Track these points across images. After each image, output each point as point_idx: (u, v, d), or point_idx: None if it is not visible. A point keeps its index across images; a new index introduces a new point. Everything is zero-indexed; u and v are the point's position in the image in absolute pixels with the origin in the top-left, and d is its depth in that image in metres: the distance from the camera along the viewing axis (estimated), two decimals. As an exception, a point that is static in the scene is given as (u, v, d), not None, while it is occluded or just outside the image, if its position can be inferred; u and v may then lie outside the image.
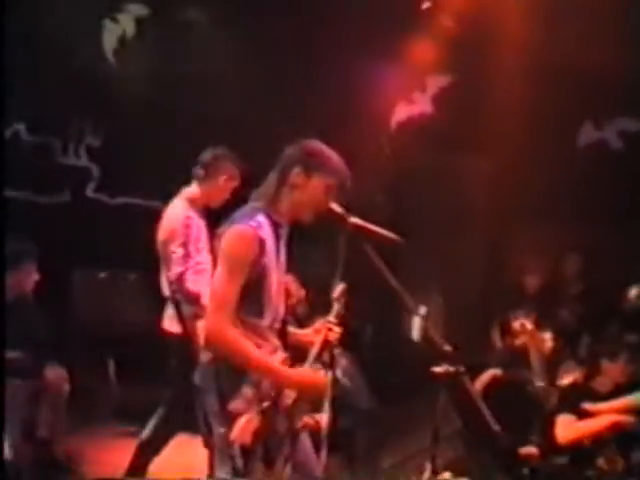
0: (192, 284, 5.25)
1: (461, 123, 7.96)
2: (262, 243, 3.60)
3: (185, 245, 5.29)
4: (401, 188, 8.29)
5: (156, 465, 5.55)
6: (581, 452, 5.61)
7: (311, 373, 3.63)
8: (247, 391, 3.56)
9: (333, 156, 3.76)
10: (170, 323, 5.42)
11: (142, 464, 5.50)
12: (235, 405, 3.56)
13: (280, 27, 7.76)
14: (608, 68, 7.36)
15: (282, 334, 3.84)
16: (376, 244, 3.73)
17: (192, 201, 5.46)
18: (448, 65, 8.20)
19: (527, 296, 7.56)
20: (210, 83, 7.66)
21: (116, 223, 7.79)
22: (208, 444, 5.55)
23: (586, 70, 7.48)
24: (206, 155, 5.56)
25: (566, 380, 6.40)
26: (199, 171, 5.53)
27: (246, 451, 3.49)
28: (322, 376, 3.63)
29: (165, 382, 5.50)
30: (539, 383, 6.57)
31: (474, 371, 6.10)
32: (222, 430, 3.58)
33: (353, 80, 7.80)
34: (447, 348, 3.74)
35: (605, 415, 5.55)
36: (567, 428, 5.65)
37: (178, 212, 5.41)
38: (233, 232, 3.62)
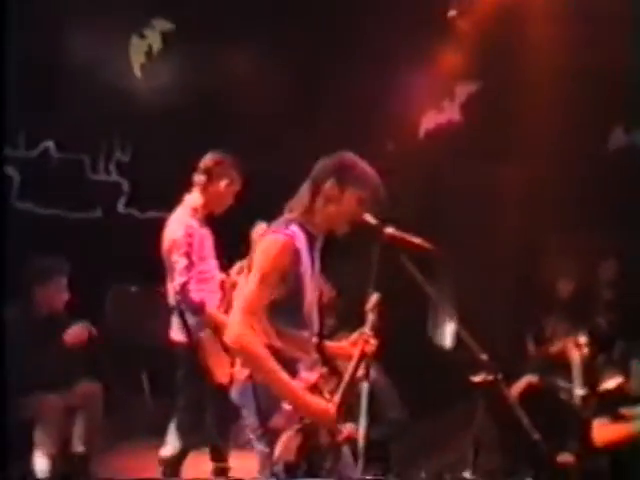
0: (196, 294, 5.25)
1: (491, 130, 7.92)
2: (297, 253, 3.61)
3: (188, 255, 5.26)
4: (433, 196, 8.25)
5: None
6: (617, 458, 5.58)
7: (324, 407, 3.56)
8: (286, 407, 3.54)
9: (367, 169, 3.78)
10: (177, 333, 5.42)
11: (171, 478, 5.51)
12: (276, 422, 3.55)
13: (306, 37, 7.77)
14: (636, 72, 7.30)
15: (319, 347, 3.84)
16: (411, 254, 3.72)
17: (195, 209, 5.45)
18: (476, 72, 8.18)
19: (561, 302, 7.50)
20: (237, 95, 7.67)
21: (147, 237, 7.80)
22: (215, 457, 5.64)
23: (616, 74, 7.42)
24: (206, 160, 5.54)
25: (607, 385, 6.35)
26: (200, 177, 5.51)
27: (290, 468, 3.48)
28: (333, 413, 3.57)
29: (174, 393, 5.52)
30: (579, 391, 6.51)
31: (509, 379, 6.06)
32: (264, 448, 3.56)
33: (381, 89, 7.79)
34: (484, 357, 3.72)
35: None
36: (603, 430, 5.61)
37: (180, 222, 5.40)
38: (267, 240, 3.64)
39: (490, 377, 3.71)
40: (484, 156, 7.98)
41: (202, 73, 7.85)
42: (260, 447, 3.60)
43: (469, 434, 4.23)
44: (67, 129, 7.77)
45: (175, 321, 5.44)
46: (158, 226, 7.84)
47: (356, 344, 3.82)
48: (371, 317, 3.84)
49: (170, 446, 5.52)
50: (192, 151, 7.41)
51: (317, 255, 3.81)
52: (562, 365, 6.96)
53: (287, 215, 3.77)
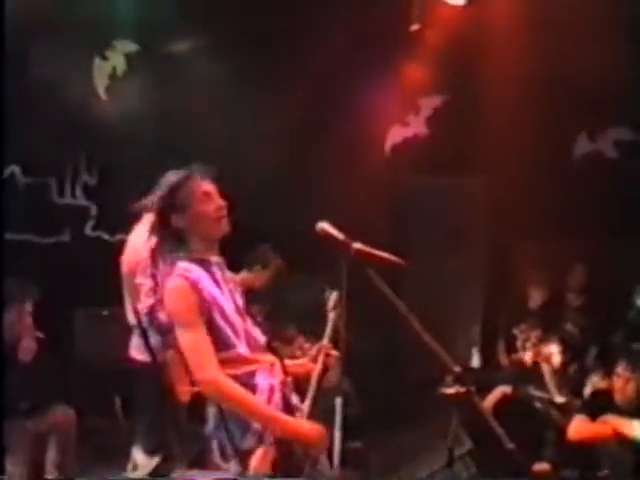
0: (164, 315, 5.19)
1: (456, 142, 7.96)
2: (194, 284, 3.57)
3: (153, 276, 5.20)
4: (400, 210, 8.25)
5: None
6: (591, 465, 5.58)
7: (306, 425, 3.58)
8: (256, 427, 3.52)
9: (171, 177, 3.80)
10: (137, 352, 5.34)
11: None
12: (248, 443, 3.52)
13: (270, 54, 7.76)
14: (600, 79, 7.34)
15: (269, 346, 3.78)
16: (378, 268, 3.71)
17: (153, 228, 5.39)
18: (440, 85, 8.22)
19: (531, 310, 7.52)
20: (202, 114, 7.65)
21: (117, 260, 7.75)
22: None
23: (578, 82, 7.47)
24: (164, 178, 5.49)
25: (587, 391, 6.39)
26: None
27: (266, 484, 3.46)
28: (317, 429, 3.59)
29: (136, 413, 5.49)
30: (559, 398, 6.54)
31: (482, 390, 6.06)
32: (240, 468, 3.54)
33: (346, 105, 7.79)
34: (456, 369, 3.71)
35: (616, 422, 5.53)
36: (579, 427, 5.62)
37: (140, 241, 5.11)
38: (168, 293, 3.63)
39: (463, 389, 3.70)
40: (451, 168, 8.01)
41: (167, 93, 7.81)
42: (238, 469, 3.57)
43: (444, 444, 4.22)
44: (32, 153, 7.72)
45: (134, 340, 5.37)
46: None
47: (316, 359, 3.82)
48: (332, 316, 3.84)
49: (141, 471, 5.39)
50: (160, 172, 7.38)
51: (218, 272, 3.72)
52: (535, 374, 7.00)
53: (168, 259, 3.72)
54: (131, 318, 5.36)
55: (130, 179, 7.56)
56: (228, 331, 3.62)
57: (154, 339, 5.18)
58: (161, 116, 7.80)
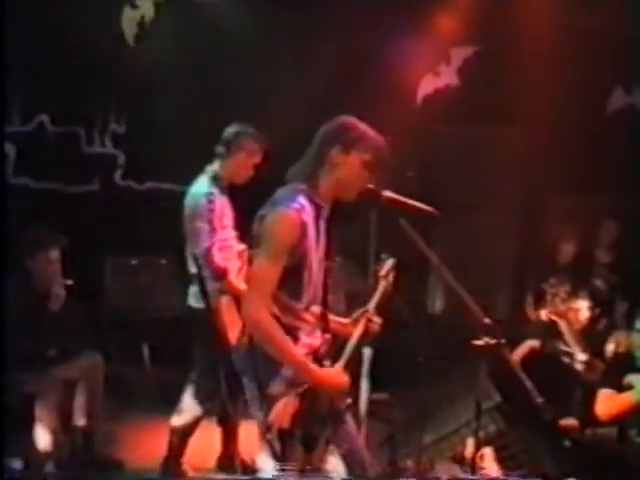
0: (219, 259, 5.24)
1: (488, 94, 7.82)
2: (304, 226, 3.54)
3: (210, 221, 5.26)
4: (431, 162, 8.17)
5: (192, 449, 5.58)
6: (625, 426, 5.52)
7: (335, 374, 3.57)
8: (285, 374, 3.49)
9: (369, 131, 3.69)
10: (195, 300, 5.40)
11: (179, 448, 5.51)
12: (274, 388, 3.49)
13: (301, 4, 7.65)
14: (636, 32, 7.20)
15: (323, 316, 3.77)
16: (409, 218, 3.65)
17: (215, 179, 5.43)
18: (472, 35, 8.08)
19: (561, 265, 7.44)
20: (232, 64, 7.57)
21: (146, 209, 7.75)
22: (223, 423, 5.64)
23: (615, 34, 7.33)
24: (227, 132, 5.53)
25: (609, 348, 6.31)
26: (220, 149, 5.50)
27: (284, 435, 3.43)
28: (345, 378, 3.58)
29: (191, 360, 5.49)
30: (581, 356, 6.48)
31: (511, 343, 6.01)
32: (261, 414, 3.52)
33: (377, 55, 7.70)
34: (486, 320, 3.66)
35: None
36: (607, 403, 5.55)
37: (201, 189, 5.38)
38: (276, 216, 3.54)
39: (493, 341, 3.66)
40: (482, 119, 7.90)
41: (196, 41, 7.73)
42: (259, 414, 3.55)
43: (472, 398, 4.18)
44: (61, 102, 7.69)
45: (192, 289, 5.42)
46: (157, 197, 7.87)
47: (357, 323, 3.78)
48: (383, 283, 3.79)
49: (184, 415, 5.49)
50: (188, 121, 7.35)
51: (323, 225, 3.72)
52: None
53: (293, 185, 3.68)
54: (191, 266, 5.41)
55: (158, 128, 7.55)
56: (304, 283, 3.61)
57: (210, 287, 5.25)
58: (189, 65, 7.72)
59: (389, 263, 3.77)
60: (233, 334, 5.11)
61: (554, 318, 6.73)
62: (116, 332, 7.10)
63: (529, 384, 3.80)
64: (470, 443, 5.42)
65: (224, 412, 5.62)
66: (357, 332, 3.72)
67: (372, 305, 3.81)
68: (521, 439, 5.53)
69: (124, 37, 7.91)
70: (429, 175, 7.98)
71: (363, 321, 3.77)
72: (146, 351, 7.26)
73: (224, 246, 5.37)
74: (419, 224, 3.63)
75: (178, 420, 5.51)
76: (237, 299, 5.10)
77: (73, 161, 7.94)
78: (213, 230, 5.26)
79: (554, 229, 7.68)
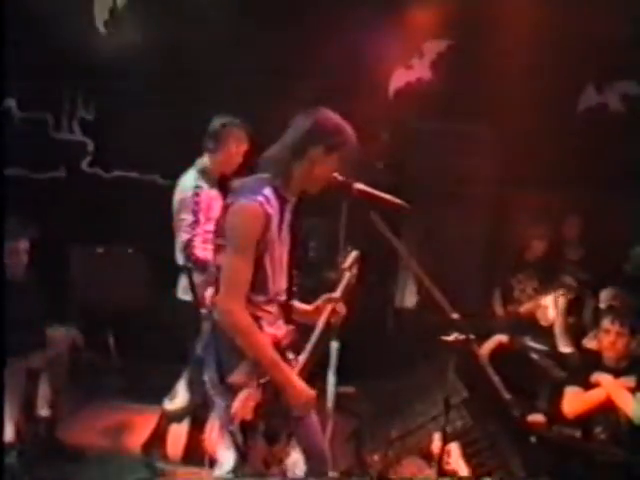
0: (201, 251, 5.29)
1: (460, 88, 7.79)
2: (268, 218, 3.52)
3: (195, 213, 5.36)
4: (402, 155, 8.15)
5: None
6: (589, 423, 5.54)
7: (301, 386, 3.54)
8: (247, 363, 3.46)
9: (346, 127, 3.68)
10: (183, 292, 5.45)
11: (164, 432, 5.64)
12: (235, 378, 3.46)
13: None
14: (609, 31, 7.21)
15: (286, 307, 3.75)
16: (379, 212, 3.63)
17: (204, 172, 5.53)
18: (445, 30, 8.05)
19: (529, 261, 7.45)
20: (204, 51, 7.50)
21: (112, 197, 7.67)
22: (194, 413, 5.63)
23: (587, 33, 7.34)
24: (214, 125, 5.59)
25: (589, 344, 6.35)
26: (208, 142, 5.58)
27: (247, 426, 3.39)
28: (313, 398, 3.56)
29: (184, 352, 5.51)
30: (566, 349, 6.51)
31: (479, 339, 6.01)
32: (222, 403, 3.48)
33: (350, 48, 7.65)
34: (455, 316, 3.65)
35: (608, 386, 5.47)
36: (573, 401, 5.58)
37: (188, 182, 5.49)
38: (239, 208, 3.52)
39: (461, 336, 3.64)
40: (454, 114, 7.87)
41: (167, 29, 7.65)
42: (220, 402, 3.51)
43: (440, 393, 4.16)
44: (29, 88, 7.59)
45: (182, 281, 5.46)
46: (124, 185, 7.80)
47: (321, 310, 3.75)
48: (347, 275, 3.77)
49: (178, 399, 5.60)
50: (158, 108, 7.28)
51: (287, 217, 3.70)
52: (531, 325, 6.96)
53: (262, 175, 3.65)
54: (179, 258, 5.46)
55: (127, 115, 7.47)
56: (267, 275, 3.60)
57: (198, 279, 5.25)
58: (160, 52, 7.63)
59: (353, 255, 3.75)
60: None
61: (535, 312, 6.77)
62: (82, 322, 7.02)
63: (497, 380, 3.79)
64: (437, 438, 5.43)
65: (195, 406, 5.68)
66: (321, 320, 3.70)
67: (338, 293, 3.79)
68: (488, 435, 5.53)
69: (94, 23, 7.81)
70: (400, 168, 7.95)
71: (328, 308, 3.76)
72: (112, 341, 7.20)
73: (209, 238, 5.37)
74: (389, 217, 3.60)
75: (169, 405, 5.61)
76: None
77: (40, 148, 7.84)
78: (196, 222, 5.35)
79: (523, 225, 7.69)
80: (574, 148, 7.66)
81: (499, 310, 7.45)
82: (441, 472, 4.37)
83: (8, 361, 5.42)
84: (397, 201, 3.72)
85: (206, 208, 5.39)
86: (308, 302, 3.93)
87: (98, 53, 7.53)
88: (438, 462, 4.46)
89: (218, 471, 3.66)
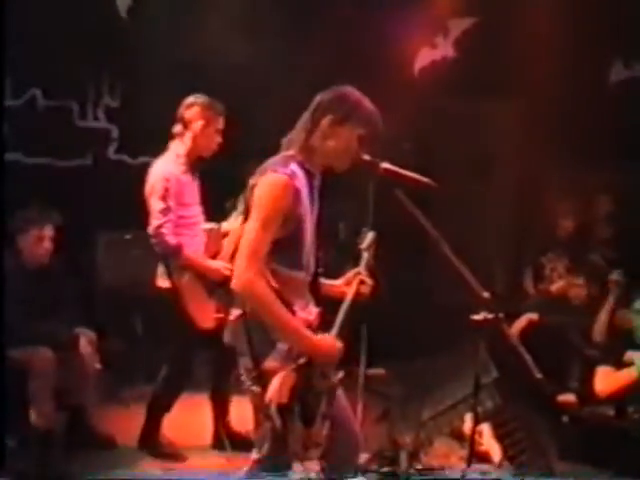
0: (171, 237, 5.29)
1: (486, 66, 7.73)
2: (297, 193, 3.49)
3: (164, 198, 5.32)
4: (428, 134, 8.10)
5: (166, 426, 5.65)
6: (623, 403, 5.50)
7: (330, 340, 3.51)
8: (281, 348, 3.44)
9: (366, 104, 3.64)
10: (162, 280, 5.46)
11: (154, 425, 5.59)
12: (269, 363, 3.44)
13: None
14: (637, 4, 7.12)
15: (314, 287, 3.73)
16: (407, 191, 3.60)
17: (177, 156, 5.47)
18: (470, 7, 8.00)
19: (559, 240, 7.39)
20: (227, 36, 7.47)
21: (140, 184, 7.68)
22: (215, 399, 5.72)
23: (615, 5, 7.24)
24: (180, 108, 5.53)
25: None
26: (177, 127, 5.52)
27: (283, 410, 3.38)
28: (339, 344, 3.52)
29: (164, 339, 5.63)
30: (598, 337, 6.44)
31: (510, 318, 5.98)
32: (257, 389, 3.47)
33: (374, 27, 7.61)
34: (485, 294, 3.61)
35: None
36: (605, 381, 5.54)
37: (159, 167, 5.46)
38: (267, 181, 3.49)
39: (491, 315, 3.61)
40: (480, 92, 7.81)
41: (192, 14, 7.63)
42: (254, 389, 3.50)
43: (470, 373, 4.14)
44: (53, 75, 7.60)
45: (160, 268, 5.47)
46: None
47: (350, 284, 3.74)
48: (366, 256, 3.76)
49: (155, 390, 5.60)
50: (182, 94, 7.26)
51: (316, 194, 3.68)
52: (562, 304, 6.92)
53: (285, 152, 3.64)
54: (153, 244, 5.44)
55: (152, 102, 7.46)
56: (302, 253, 3.58)
57: (173, 264, 5.27)
58: (184, 38, 7.61)
59: (370, 236, 3.73)
60: (200, 313, 5.32)
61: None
62: (109, 307, 7.06)
63: (528, 359, 3.75)
64: (468, 419, 5.41)
65: (215, 387, 5.75)
66: (350, 292, 3.68)
67: (362, 267, 3.77)
68: (519, 415, 5.51)
69: (117, 9, 7.80)
70: (426, 148, 7.92)
71: (356, 281, 3.73)
72: (140, 327, 7.22)
73: (185, 224, 5.42)
74: (417, 197, 3.58)
75: (153, 394, 5.60)
76: (201, 276, 5.33)
77: (65, 135, 7.86)
78: (167, 209, 5.31)
79: (553, 203, 7.62)
80: (605, 124, 7.57)
81: (530, 289, 7.41)
82: (473, 453, 4.36)
83: (38, 350, 5.48)
84: (424, 179, 3.69)
85: (178, 194, 5.35)
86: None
87: (122, 40, 7.53)
88: (470, 443, 4.45)
89: (255, 455, 3.64)
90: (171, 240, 5.28)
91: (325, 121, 3.59)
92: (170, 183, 5.34)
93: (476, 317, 3.62)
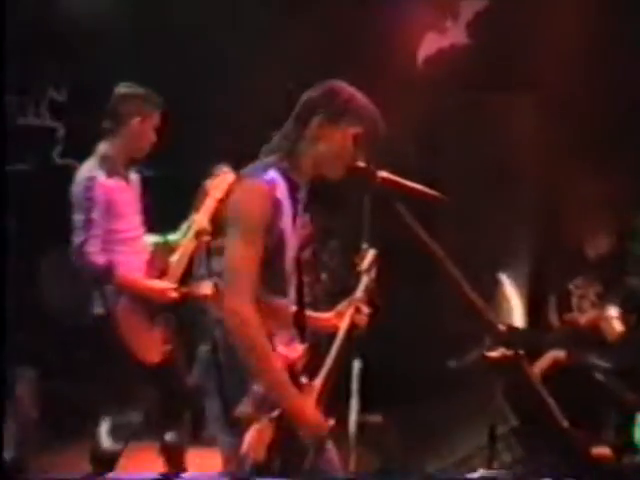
0: (99, 255, 5.24)
1: (503, 54, 7.79)
2: (277, 204, 3.51)
3: (87, 210, 5.28)
4: (434, 136, 8.14)
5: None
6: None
7: (319, 417, 3.54)
8: (257, 390, 3.45)
9: (361, 98, 3.68)
10: (97, 305, 5.40)
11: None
12: (242, 409, 3.45)
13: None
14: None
15: (299, 319, 3.75)
16: (410, 203, 3.62)
17: (105, 159, 5.43)
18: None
19: (589, 261, 7.42)
20: (195, 30, 7.55)
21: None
22: (167, 451, 5.65)
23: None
24: (112, 100, 5.55)
25: None
26: (108, 122, 5.51)
27: (260, 468, 3.38)
28: (325, 424, 3.56)
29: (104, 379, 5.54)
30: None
31: (531, 355, 6.01)
32: (229, 439, 3.47)
33: (370, 9, 7.66)
34: (502, 327, 3.64)
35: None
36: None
37: (82, 173, 5.41)
38: (243, 188, 3.53)
39: (509, 352, 3.63)
40: (496, 85, 7.87)
41: (144, 7, 7.73)
42: (225, 439, 3.51)
43: (484, 421, 4.17)
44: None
45: (95, 292, 5.42)
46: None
47: (344, 315, 3.75)
48: (366, 279, 3.78)
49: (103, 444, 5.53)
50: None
51: (301, 207, 3.71)
52: (594, 339, 6.93)
53: (265, 159, 3.66)
54: None
55: (106, 96, 7.48)
56: (281, 276, 3.60)
57: (109, 288, 5.24)
58: (138, 25, 7.67)
59: (371, 255, 3.75)
60: (143, 343, 5.31)
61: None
62: (50, 340, 7.07)
63: (552, 404, 3.78)
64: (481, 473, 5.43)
65: (168, 436, 5.64)
66: (343, 326, 3.70)
67: (359, 294, 3.80)
68: (542, 471, 5.53)
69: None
70: (432, 151, 7.96)
71: (350, 311, 3.76)
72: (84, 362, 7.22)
73: (119, 238, 5.40)
74: (420, 210, 3.60)
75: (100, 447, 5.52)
76: (142, 300, 5.30)
77: (2, 135, 7.86)
78: (90, 221, 5.27)
79: (581, 217, 7.66)
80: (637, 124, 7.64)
81: (554, 321, 7.43)
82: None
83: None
84: (430, 192, 3.72)
85: (105, 202, 5.31)
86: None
87: (70, 26, 7.57)
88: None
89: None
90: (98, 259, 5.23)
91: (315, 121, 3.62)
92: (95, 191, 5.29)
93: (491, 354, 3.65)
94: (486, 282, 6.82)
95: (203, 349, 3.60)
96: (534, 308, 7.65)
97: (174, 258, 5.43)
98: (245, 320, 3.39)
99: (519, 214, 8.10)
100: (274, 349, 3.50)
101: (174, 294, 5.22)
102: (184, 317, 5.52)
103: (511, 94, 7.99)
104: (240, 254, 3.44)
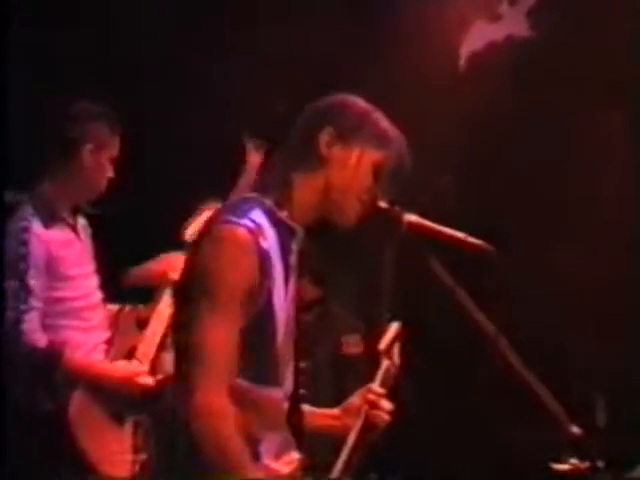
0: (37, 334, 5.23)
1: (576, 51, 7.83)
2: (263, 257, 3.47)
3: (22, 274, 5.24)
4: (480, 160, 8.15)
5: None
6: None
7: None
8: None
9: (380, 117, 3.69)
10: (43, 399, 5.40)
11: None
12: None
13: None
14: None
15: (293, 415, 3.72)
16: (447, 257, 3.62)
17: (47, 201, 5.44)
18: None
19: None
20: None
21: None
22: None
23: None
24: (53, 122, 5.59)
25: None
26: (51, 152, 5.52)
27: None
28: None
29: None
30: None
31: (614, 466, 5.99)
32: None
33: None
34: (575, 429, 3.62)
35: None
36: None
37: (13, 225, 5.34)
38: (216, 237, 3.48)
39: (584, 464, 3.61)
40: (567, 91, 7.88)
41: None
42: None
43: None
44: None
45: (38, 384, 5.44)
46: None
47: (355, 411, 3.74)
48: (386, 363, 3.78)
49: None
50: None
51: (295, 260, 3.68)
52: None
53: (248, 195, 3.69)
54: None
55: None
56: (268, 358, 3.58)
57: (60, 373, 5.22)
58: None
59: (393, 329, 3.75)
60: (96, 452, 5.32)
61: None
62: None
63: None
64: None
65: None
66: (357, 427, 3.70)
67: (377, 383, 3.82)
68: None
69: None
70: (479, 184, 7.96)
71: (364, 408, 3.75)
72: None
73: (67, 309, 5.42)
74: (463, 268, 3.60)
75: None
76: (102, 391, 5.33)
77: None
78: (26, 289, 5.22)
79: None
80: None
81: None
82: None
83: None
84: (476, 242, 3.71)
85: (45, 261, 5.30)
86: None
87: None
88: None
89: None
90: (39, 340, 5.23)
91: (323, 137, 3.61)
92: (29, 246, 5.27)
93: (560, 466, 3.63)
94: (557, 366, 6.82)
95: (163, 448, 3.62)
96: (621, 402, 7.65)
97: (146, 332, 5.41)
98: (216, 420, 3.37)
99: (602, 273, 8.00)
100: (257, 460, 3.49)
101: (147, 380, 5.19)
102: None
103: (586, 102, 8.00)
104: (214, 332, 3.39)
